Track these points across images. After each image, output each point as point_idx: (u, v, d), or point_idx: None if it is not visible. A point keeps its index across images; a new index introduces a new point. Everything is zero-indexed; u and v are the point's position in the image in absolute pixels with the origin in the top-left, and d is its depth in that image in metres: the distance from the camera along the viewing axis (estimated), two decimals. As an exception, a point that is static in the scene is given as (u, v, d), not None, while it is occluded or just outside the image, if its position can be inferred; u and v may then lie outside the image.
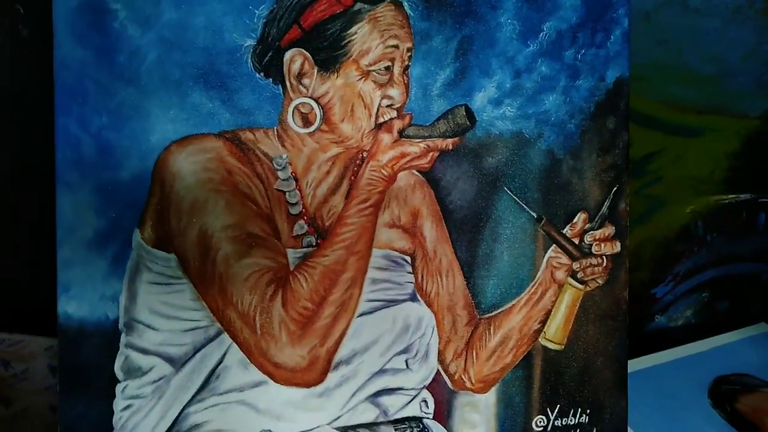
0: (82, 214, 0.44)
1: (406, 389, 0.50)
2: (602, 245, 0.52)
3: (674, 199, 1.01)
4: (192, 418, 0.46)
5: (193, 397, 0.46)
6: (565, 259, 0.52)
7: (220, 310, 0.46)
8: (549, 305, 0.52)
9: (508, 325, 0.51)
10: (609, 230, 0.53)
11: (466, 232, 0.50)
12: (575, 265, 0.52)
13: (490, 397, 0.51)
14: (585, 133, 0.52)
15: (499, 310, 0.51)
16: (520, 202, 0.51)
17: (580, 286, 0.52)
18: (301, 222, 0.48)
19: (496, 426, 0.52)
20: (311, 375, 0.48)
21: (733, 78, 0.95)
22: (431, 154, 0.48)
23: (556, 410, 0.52)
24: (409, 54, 0.48)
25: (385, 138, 0.48)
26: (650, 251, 1.04)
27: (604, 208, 0.53)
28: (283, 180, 0.47)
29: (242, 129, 0.46)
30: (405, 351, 0.50)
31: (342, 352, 0.48)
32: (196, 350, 0.46)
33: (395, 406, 0.50)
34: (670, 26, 0.88)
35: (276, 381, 0.47)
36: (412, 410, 0.50)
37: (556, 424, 0.52)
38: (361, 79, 0.47)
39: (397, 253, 0.50)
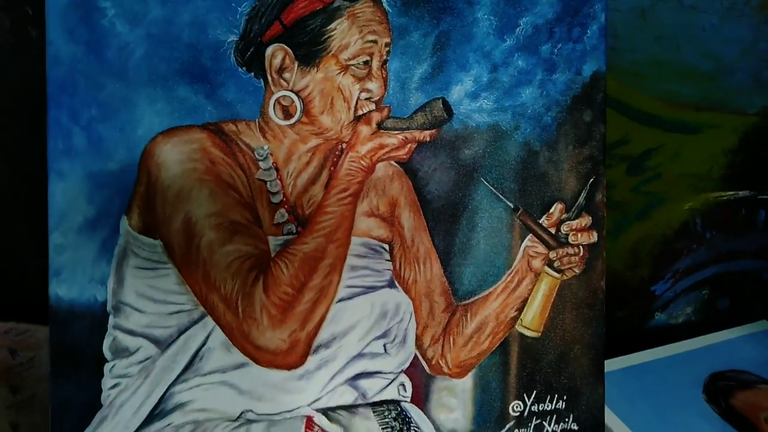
0: (72, 202, 0.46)
1: (385, 373, 0.52)
2: (579, 235, 0.53)
3: (673, 196, 1.01)
4: (177, 397, 0.48)
5: (178, 377, 0.48)
6: (541, 249, 0.53)
7: (204, 294, 0.48)
8: (525, 293, 0.53)
9: (485, 312, 0.53)
10: (586, 220, 0.54)
11: (444, 221, 0.52)
12: (552, 255, 0.53)
13: (467, 382, 0.53)
14: (561, 125, 0.53)
15: (476, 297, 0.53)
16: (497, 193, 0.52)
17: (557, 275, 0.53)
18: (282, 210, 0.50)
19: (473, 410, 0.53)
20: (292, 358, 0.49)
21: (731, 75, 0.95)
22: (409, 145, 0.50)
23: (533, 396, 0.54)
24: (387, 49, 0.50)
25: (364, 130, 0.49)
26: (649, 248, 1.04)
27: (581, 199, 0.54)
28: (265, 170, 0.49)
29: (225, 121, 0.48)
30: (383, 336, 0.51)
31: (321, 336, 0.50)
32: (181, 332, 0.48)
33: (374, 389, 0.51)
34: (666, 23, 0.89)
35: (257, 363, 0.49)
36: (391, 393, 0.52)
37: (532, 409, 0.54)
38: (340, 73, 0.49)
39: (375, 241, 0.51)
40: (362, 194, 0.50)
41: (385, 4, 0.49)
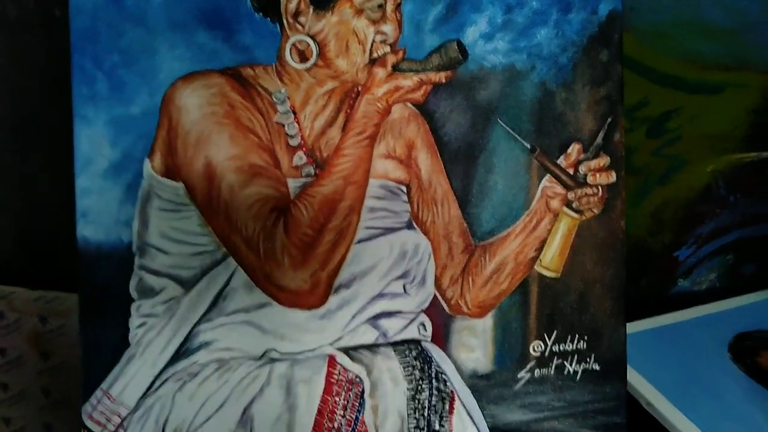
0: (97, 146, 0.48)
1: (405, 313, 0.52)
2: (597, 175, 0.53)
3: (694, 158, 1.00)
4: (201, 336, 0.50)
5: (202, 316, 0.49)
6: (559, 189, 0.53)
7: (226, 235, 0.49)
8: (544, 234, 0.53)
9: (504, 253, 0.53)
10: (604, 160, 0.53)
11: (461, 163, 0.52)
12: (570, 195, 0.53)
13: (487, 322, 0.53)
14: (577, 65, 0.53)
15: (494, 238, 0.53)
16: (514, 134, 0.52)
17: (576, 216, 0.53)
18: (300, 153, 0.50)
19: (494, 350, 0.53)
20: (313, 298, 0.50)
21: (754, 31, 0.93)
22: (424, 87, 0.50)
23: (554, 336, 0.54)
24: (401, -9, 0.50)
25: (380, 72, 0.50)
26: (671, 213, 1.03)
27: (599, 139, 0.53)
28: (282, 113, 0.50)
29: (243, 66, 0.49)
30: (402, 276, 0.52)
31: (342, 277, 0.51)
32: (204, 273, 0.49)
33: (394, 328, 0.52)
34: (686, -21, 0.87)
35: (280, 303, 0.50)
36: (411, 333, 0.53)
37: (553, 349, 0.54)
38: (355, 16, 0.49)
39: (393, 183, 0.52)
40: (379, 136, 0.51)
41: (398, -53, 0.50)
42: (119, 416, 0.49)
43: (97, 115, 0.47)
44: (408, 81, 0.50)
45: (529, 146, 0.52)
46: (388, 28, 0.50)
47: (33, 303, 0.86)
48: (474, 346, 0.53)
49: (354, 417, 0.51)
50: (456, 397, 0.53)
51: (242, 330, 0.50)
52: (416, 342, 0.53)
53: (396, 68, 0.50)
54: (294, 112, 0.50)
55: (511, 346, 0.53)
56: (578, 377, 0.54)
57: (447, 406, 0.53)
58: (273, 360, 0.50)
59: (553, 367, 0.54)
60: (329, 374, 0.51)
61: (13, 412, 0.88)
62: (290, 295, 0.50)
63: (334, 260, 0.50)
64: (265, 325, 0.50)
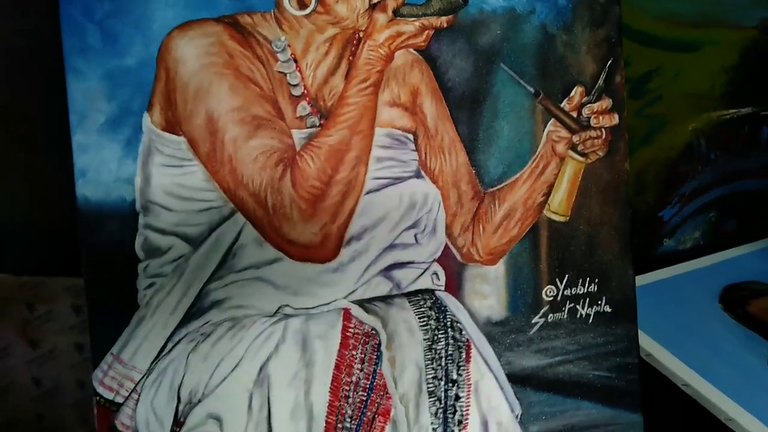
0: (92, 101, 0.46)
1: (417, 263, 0.52)
2: (600, 118, 0.53)
3: (675, 117, 1.01)
4: (213, 295, 0.48)
5: (213, 274, 0.48)
6: (564, 133, 0.53)
7: (232, 190, 0.48)
8: (551, 178, 0.53)
9: (513, 199, 0.53)
10: (606, 103, 0.53)
11: (466, 109, 0.52)
12: (575, 138, 0.53)
13: (499, 269, 0.53)
14: (576, 7, 0.53)
15: (502, 184, 0.53)
16: (517, 78, 0.52)
17: (581, 159, 0.53)
18: (304, 103, 0.49)
19: (507, 296, 0.53)
20: (324, 251, 0.49)
21: (726, -12, 0.95)
22: (426, 32, 0.49)
23: (565, 280, 0.54)
24: (399, -64, 0.49)
25: (380, 18, 0.49)
26: (654, 173, 1.05)
27: (600, 81, 0.53)
28: (284, 62, 0.48)
29: (241, 13, 0.48)
30: (413, 226, 0.51)
31: (353, 229, 0.50)
32: (212, 229, 0.48)
33: (408, 279, 0.51)
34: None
35: (291, 257, 0.49)
36: (425, 283, 0.52)
37: (565, 293, 0.54)
38: (353, -40, 0.48)
39: (399, 132, 0.51)
40: (383, 84, 0.50)
41: None
42: (132, 381, 0.47)
43: (90, 68, 0.45)
44: (409, 26, 0.49)
45: (533, 90, 0.52)
46: (387, -28, 0.49)
47: (18, 289, 0.82)
48: (487, 293, 0.53)
49: (372, 370, 0.51)
50: (472, 345, 0.52)
51: (254, 287, 0.48)
52: (430, 292, 0.52)
53: (397, 13, 0.49)
54: (295, 61, 0.49)
55: (524, 291, 0.53)
56: (590, 320, 0.55)
57: (463, 355, 0.52)
58: (287, 316, 0.49)
59: (566, 311, 0.54)
60: (345, 328, 0.50)
61: (1, 404, 0.85)
62: (301, 249, 0.49)
63: (343, 212, 0.49)
64: (277, 281, 0.49)
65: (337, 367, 0.50)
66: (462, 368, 0.52)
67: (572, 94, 0.53)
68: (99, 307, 0.47)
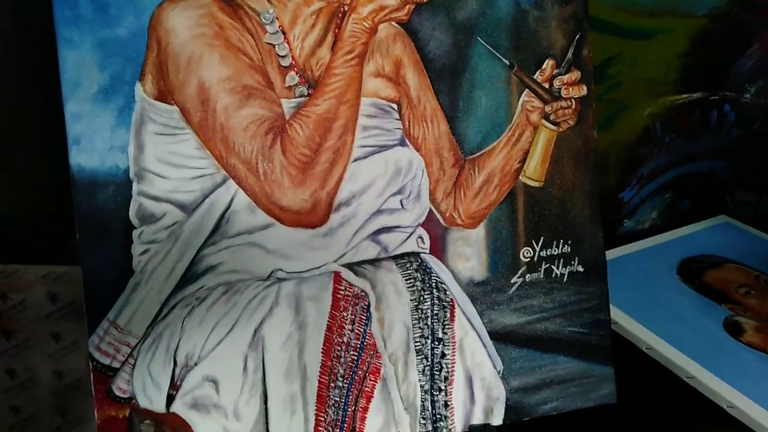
0: (85, 70, 0.46)
1: (403, 227, 0.54)
2: (570, 89, 0.57)
3: (633, 102, 1.07)
4: (207, 260, 0.49)
5: (206, 240, 0.49)
6: (537, 103, 0.56)
7: (224, 158, 0.49)
8: (526, 146, 0.56)
9: (491, 165, 0.56)
10: (575, 74, 0.57)
11: (446, 80, 0.54)
12: (547, 108, 0.56)
13: (480, 232, 0.56)
14: (546, -16, 0.56)
15: (481, 152, 0.56)
16: (493, 51, 0.55)
17: (553, 127, 0.57)
18: (292, 73, 0.51)
19: (487, 258, 0.56)
20: (315, 216, 0.51)
21: (676, -23, 1.00)
22: (408, 6, 0.52)
23: (541, 242, 0.57)
24: None
25: (364, -9, 0.51)
26: (615, 156, 1.10)
27: (569, 54, 0.57)
28: (272, 33, 0.50)
29: (229, -14, 0.49)
30: (399, 192, 0.54)
31: (341, 195, 0.52)
32: (205, 196, 0.49)
33: (394, 243, 0.54)
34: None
35: (282, 223, 0.50)
36: (410, 246, 0.54)
37: (541, 254, 0.57)
38: (337, -66, 0.50)
39: (384, 101, 0.53)
40: (367, 55, 0.52)
41: None
42: (128, 346, 0.48)
43: (82, 37, 0.46)
44: (392, 0, 0.51)
45: (508, 63, 0.55)
46: (370, -53, 0.51)
47: None
48: (469, 255, 0.55)
49: (362, 330, 0.53)
50: (456, 305, 0.55)
51: (247, 252, 0.50)
52: (416, 254, 0.55)
53: (379, -13, 0.51)
54: (283, 32, 0.50)
55: (503, 253, 0.56)
56: (565, 279, 0.58)
57: (448, 314, 0.55)
58: (280, 280, 0.51)
59: (542, 271, 0.57)
60: (335, 290, 0.52)
61: (-25, 397, 0.83)
62: (292, 215, 0.50)
63: (332, 179, 0.51)
64: (269, 246, 0.50)
65: (328, 328, 0.52)
66: (447, 327, 0.55)
67: (544, 66, 0.56)
68: (94, 273, 0.47)
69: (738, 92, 1.10)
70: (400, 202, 0.54)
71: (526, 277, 0.57)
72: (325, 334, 0.52)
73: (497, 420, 0.56)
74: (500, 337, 0.56)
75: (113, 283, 0.48)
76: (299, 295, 0.51)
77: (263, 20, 0.50)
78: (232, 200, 0.49)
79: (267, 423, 0.50)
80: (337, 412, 0.52)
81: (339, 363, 0.52)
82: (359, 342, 0.52)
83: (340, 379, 0.52)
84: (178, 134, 0.48)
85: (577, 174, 0.58)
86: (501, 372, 0.56)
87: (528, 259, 0.57)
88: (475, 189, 0.56)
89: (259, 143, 0.49)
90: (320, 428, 0.51)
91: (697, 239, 1.09)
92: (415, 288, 0.54)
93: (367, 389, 0.53)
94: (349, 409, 0.52)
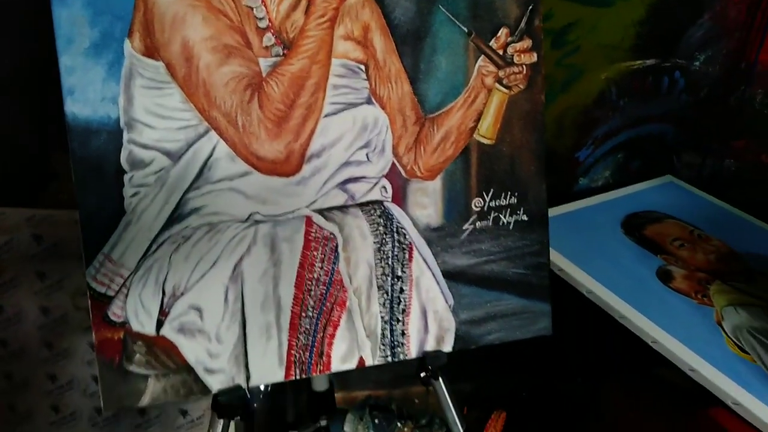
0: (77, 27, 0.50)
1: (368, 178, 0.60)
2: (522, 56, 0.62)
3: (591, 67, 1.13)
4: (191, 203, 0.55)
5: (191, 185, 0.55)
6: (492, 68, 0.62)
7: (207, 111, 0.54)
8: (481, 107, 0.63)
9: (449, 124, 0.62)
10: (527, 43, 0.63)
11: (409, 44, 0.60)
12: (501, 73, 0.62)
13: (437, 184, 0.62)
14: (502, -42, 0.61)
15: (440, 111, 0.62)
16: (453, 19, 0.60)
17: (506, 91, 0.63)
18: (269, 34, 0.56)
19: (443, 207, 0.63)
20: (289, 166, 0.57)
21: (637, -53, 1.05)
22: (376, -25, 0.57)
23: (491, 194, 0.64)
24: None
25: (336, -41, 0.55)
26: (572, 118, 1.17)
27: (522, 24, 0.63)
28: (251, -4, 0.54)
29: (211, -50, 0.53)
30: (365, 146, 0.60)
31: (313, 148, 0.58)
32: (189, 145, 0.54)
33: (360, 191, 0.60)
34: None
35: (259, 171, 0.56)
36: (375, 195, 0.61)
37: (490, 204, 0.64)
38: None
39: (353, 63, 0.58)
40: (338, 20, 0.57)
41: None
42: (121, 277, 0.54)
43: (73, -5, 0.50)
44: None
45: (466, 30, 0.61)
46: None
47: (26, 222, 0.85)
48: (426, 204, 0.62)
49: (330, 268, 0.60)
50: (414, 248, 0.62)
51: (228, 196, 0.56)
52: (379, 203, 0.61)
53: (350, -44, 0.56)
54: (261, -4, 0.55)
55: (457, 202, 0.63)
56: (511, 227, 0.65)
57: (407, 255, 0.62)
58: (257, 222, 0.57)
59: (491, 219, 0.64)
60: (307, 232, 0.58)
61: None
62: (268, 164, 0.56)
63: (305, 132, 0.57)
64: (248, 192, 0.56)
65: (301, 265, 0.58)
66: (405, 266, 0.62)
67: (499, 34, 0.62)
68: (90, 213, 0.53)
69: (688, 60, 1.18)
70: (366, 155, 0.60)
71: (477, 224, 0.64)
72: (298, 270, 0.58)
73: (447, 347, 0.64)
74: (452, 276, 0.64)
75: (107, 222, 0.53)
76: (275, 235, 0.57)
77: (242, -16, 0.54)
78: (213, 149, 0.55)
79: (245, 346, 0.57)
80: (308, 338, 0.59)
81: (310, 296, 0.59)
82: (328, 278, 0.59)
83: (311, 309, 0.59)
84: (164, 88, 0.53)
85: (526, 134, 0.64)
86: (452, 306, 0.64)
87: (479, 209, 0.64)
88: (433, 145, 0.62)
89: (239, 98, 0.54)
90: (292, 352, 0.59)
91: (643, 197, 1.18)
92: (378, 232, 0.61)
93: (334, 319, 0.60)
94: (318, 336, 0.60)
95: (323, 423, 0.73)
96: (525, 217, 0.66)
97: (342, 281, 0.60)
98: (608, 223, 1.08)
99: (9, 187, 0.85)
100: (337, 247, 0.59)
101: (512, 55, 0.63)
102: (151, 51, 0.52)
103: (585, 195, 1.22)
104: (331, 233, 0.59)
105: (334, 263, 0.60)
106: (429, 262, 0.63)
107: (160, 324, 0.55)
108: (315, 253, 0.59)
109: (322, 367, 0.60)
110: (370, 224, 0.61)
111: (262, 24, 0.55)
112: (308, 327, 0.59)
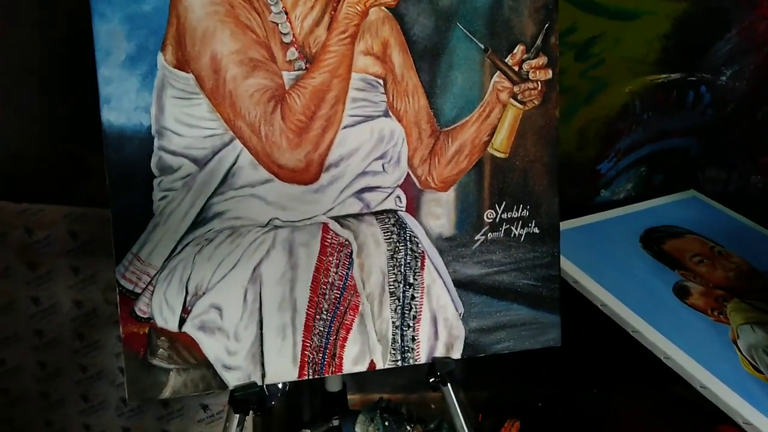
0: (115, 40, 0.54)
1: (384, 187, 0.63)
2: (537, 72, 0.64)
3: (615, 80, 1.14)
4: (215, 208, 0.58)
5: (215, 190, 0.58)
6: (507, 84, 0.64)
7: (232, 120, 0.57)
8: (495, 121, 0.64)
9: (463, 137, 0.64)
10: (542, 60, 0.64)
11: (427, 60, 0.62)
12: (516, 89, 0.64)
13: (450, 195, 0.65)
14: (521, -22, 0.63)
15: (455, 125, 0.64)
16: (470, 36, 0.62)
17: (520, 106, 0.65)
18: (293, 49, 0.59)
19: (456, 217, 0.65)
20: (308, 175, 0.60)
21: (662, -38, 1.05)
22: (396, -7, 0.59)
23: (503, 206, 0.66)
24: None
25: (358, -21, 0.58)
26: (595, 130, 1.18)
27: (538, 42, 0.64)
28: (276, 13, 0.58)
29: (240, -31, 0.56)
30: (381, 157, 0.62)
31: (331, 157, 0.60)
32: (215, 153, 0.58)
33: (375, 200, 0.63)
34: None
35: (280, 179, 0.59)
36: (389, 204, 0.63)
37: (503, 216, 0.66)
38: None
39: (371, 77, 0.61)
40: (359, 35, 0.59)
41: None
42: (148, 275, 0.58)
43: (113, 12, 0.53)
44: None
45: (482, 47, 0.63)
46: (366, -61, 0.58)
47: (18, 216, 0.90)
48: (440, 214, 0.64)
49: (345, 273, 0.62)
50: (426, 256, 0.64)
51: (249, 202, 0.59)
52: (393, 212, 0.64)
53: (372, -24, 0.58)
54: (286, 12, 0.58)
55: (469, 214, 0.65)
56: (522, 239, 0.67)
57: (419, 263, 0.64)
58: (276, 227, 0.60)
59: (503, 231, 0.66)
60: (323, 238, 0.61)
61: (3, 321, 0.93)
62: (289, 172, 0.59)
63: (324, 143, 0.60)
64: (268, 198, 0.59)
65: (316, 269, 0.61)
66: (417, 274, 0.64)
67: (515, 51, 0.64)
68: (121, 214, 0.56)
69: (714, 74, 1.17)
70: (382, 165, 0.62)
71: (488, 235, 0.66)
72: (314, 274, 0.61)
73: (456, 354, 0.66)
74: (463, 285, 0.66)
75: (137, 223, 0.57)
76: (293, 241, 0.60)
77: (269, 1, 0.57)
78: (237, 157, 0.58)
79: (262, 345, 0.60)
80: (321, 340, 0.62)
81: (324, 299, 0.62)
82: (342, 283, 0.62)
83: (325, 312, 0.62)
84: (193, 98, 0.56)
85: (539, 148, 0.66)
86: (462, 314, 0.66)
87: (491, 220, 0.66)
88: (448, 157, 0.64)
89: (262, 109, 0.57)
90: (306, 352, 0.62)
91: (665, 211, 1.18)
92: (391, 240, 0.63)
93: (347, 322, 0.63)
94: (331, 338, 0.62)
95: (335, 423, 0.75)
96: (536, 230, 0.67)
97: (355, 286, 0.63)
98: (627, 237, 1.08)
99: (48, 186, 0.90)
100: (351, 253, 0.62)
101: (528, 72, 0.64)
102: (182, 63, 0.56)
103: (606, 207, 1.22)
104: (347, 240, 0.62)
105: (349, 269, 0.62)
106: (440, 270, 0.65)
107: (182, 321, 0.58)
108: (330, 259, 0.61)
109: (334, 369, 0.62)
110: (384, 232, 0.63)
111: (287, 39, 0.58)
112: (322, 329, 0.62)
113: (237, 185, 0.58)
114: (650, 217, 1.15)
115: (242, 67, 0.56)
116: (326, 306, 0.62)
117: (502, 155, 0.65)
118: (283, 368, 0.61)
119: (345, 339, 0.63)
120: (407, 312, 0.64)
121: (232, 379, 0.60)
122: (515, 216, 0.66)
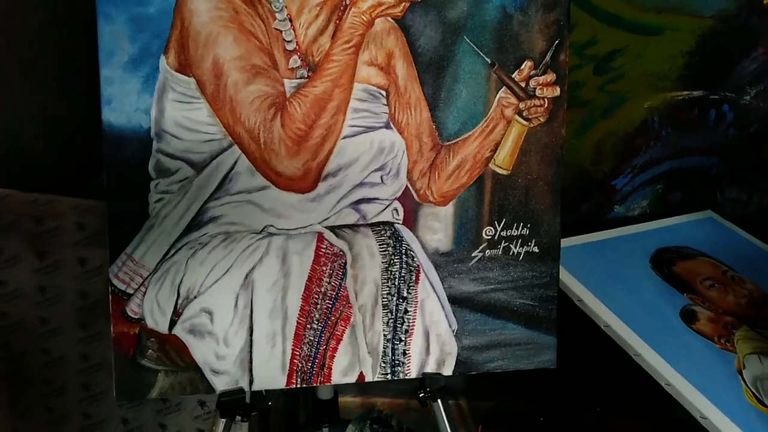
0: (118, 42, 0.54)
1: (381, 199, 0.62)
2: (545, 89, 0.63)
3: (634, 95, 1.11)
4: (211, 212, 0.59)
5: (211, 195, 0.58)
6: (513, 99, 0.63)
7: (231, 126, 0.57)
8: (498, 137, 0.63)
9: (465, 152, 0.63)
10: (551, 77, 0.63)
11: (431, 72, 0.61)
12: (521, 105, 0.63)
13: (449, 210, 0.64)
14: (533, -8, 0.62)
15: (457, 139, 0.63)
16: (477, 50, 0.61)
17: (525, 123, 0.64)
18: (296, 57, 0.58)
19: (454, 233, 0.64)
20: (305, 183, 0.60)
21: (686, -22, 1.03)
22: (403, 4, 0.59)
23: (503, 223, 0.65)
24: None
25: (365, -11, 0.58)
26: (612, 145, 1.15)
27: (547, 58, 0.63)
28: (280, 20, 0.57)
29: (246, -25, 0.56)
30: (380, 168, 0.62)
31: (330, 167, 0.60)
32: (213, 157, 0.58)
33: (372, 212, 0.62)
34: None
35: (277, 186, 0.59)
36: (386, 216, 0.63)
37: (502, 234, 0.65)
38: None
39: (374, 88, 0.60)
40: (363, 46, 0.59)
41: None
42: (141, 276, 0.58)
43: (117, 13, 0.54)
44: None
45: (489, 61, 0.62)
46: (374, -51, 0.57)
47: (28, 205, 0.91)
48: (437, 229, 0.64)
49: (338, 284, 0.62)
50: (421, 270, 0.64)
51: (245, 208, 0.59)
52: (390, 224, 0.63)
53: (379, -14, 0.58)
54: (290, 20, 0.58)
55: (468, 230, 0.64)
56: (521, 258, 0.66)
57: (414, 277, 0.64)
58: (271, 234, 0.60)
59: (501, 248, 0.65)
60: (318, 248, 0.61)
61: (9, 308, 0.95)
62: (285, 180, 0.59)
63: (323, 152, 0.59)
64: (264, 205, 0.59)
65: (309, 279, 0.61)
66: (411, 288, 0.64)
67: (522, 67, 0.63)
68: (117, 215, 0.57)
69: (738, 93, 1.14)
70: (381, 177, 0.62)
71: (486, 252, 0.65)
72: (306, 283, 0.61)
73: (448, 371, 0.65)
74: (458, 301, 0.65)
75: (132, 224, 0.57)
76: (286, 249, 0.60)
77: (273, 8, 0.57)
78: (235, 163, 0.58)
79: (251, 351, 0.60)
80: (311, 349, 0.62)
81: (316, 309, 0.61)
82: (334, 293, 0.62)
83: (316, 322, 0.62)
84: (194, 103, 0.57)
85: (543, 166, 0.65)
86: (455, 331, 0.65)
87: (489, 237, 0.65)
88: (448, 171, 0.63)
89: (262, 116, 0.57)
90: (295, 361, 0.61)
91: (679, 230, 1.15)
92: (386, 252, 0.63)
93: (337, 333, 0.62)
94: (321, 348, 0.62)
95: (325, 431, 0.75)
96: (536, 249, 0.66)
97: (348, 297, 0.62)
98: (637, 256, 1.06)
99: (60, 178, 0.92)
100: (345, 264, 0.62)
101: (535, 88, 0.63)
102: (184, 67, 0.56)
103: (620, 224, 1.20)
104: (341, 250, 0.61)
105: (342, 279, 0.62)
106: (435, 285, 0.64)
107: (173, 323, 0.59)
108: (324, 268, 0.61)
109: (322, 379, 0.62)
110: (380, 244, 0.62)
111: (290, 47, 0.58)
112: (312, 338, 0.62)
113: (233, 191, 0.58)
114: (663, 236, 1.13)
115: (244, 73, 0.56)
116: (317, 315, 0.61)
117: (504, 172, 0.64)
118: (271, 375, 0.61)
119: (335, 349, 0.62)
120: (399, 325, 0.64)
121: (220, 384, 0.60)
122: (515, 234, 0.65)
